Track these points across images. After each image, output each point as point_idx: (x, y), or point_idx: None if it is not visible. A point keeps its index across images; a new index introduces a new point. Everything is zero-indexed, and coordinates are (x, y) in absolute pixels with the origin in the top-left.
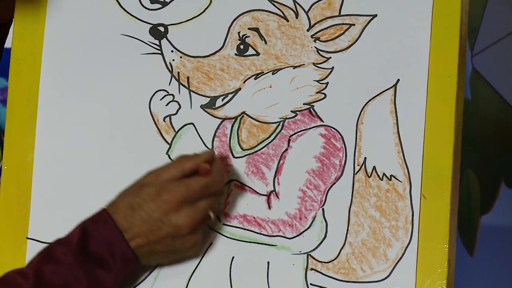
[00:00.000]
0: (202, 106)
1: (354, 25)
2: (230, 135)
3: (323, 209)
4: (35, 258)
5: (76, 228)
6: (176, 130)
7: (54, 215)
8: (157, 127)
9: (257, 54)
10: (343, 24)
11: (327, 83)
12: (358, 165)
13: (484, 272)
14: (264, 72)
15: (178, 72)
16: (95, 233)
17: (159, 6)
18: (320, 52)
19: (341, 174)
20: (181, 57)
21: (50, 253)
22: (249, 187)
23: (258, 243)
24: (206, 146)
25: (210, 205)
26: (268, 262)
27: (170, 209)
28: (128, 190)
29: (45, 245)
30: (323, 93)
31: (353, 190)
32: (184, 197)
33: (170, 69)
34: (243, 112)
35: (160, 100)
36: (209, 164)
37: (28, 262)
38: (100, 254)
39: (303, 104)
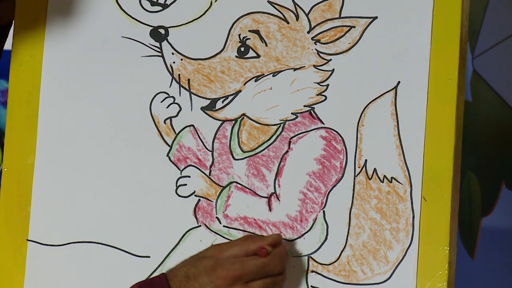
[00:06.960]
0: (202, 108)
1: (354, 27)
2: (230, 137)
3: (323, 211)
4: None
5: (133, 287)
6: (177, 132)
7: (54, 217)
8: (157, 129)
9: (258, 56)
10: (343, 26)
11: (328, 85)
12: (359, 167)
13: (485, 274)
14: (265, 74)
15: (179, 75)
16: None
17: (160, 8)
18: (321, 54)
19: (342, 176)
20: (181, 59)
21: None
22: (249, 189)
23: None
24: (207, 148)
25: (264, 287)
26: None
27: (222, 285)
28: (189, 260)
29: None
30: (323, 95)
31: (353, 192)
32: (238, 274)
33: (171, 72)
34: (244, 114)
35: (161, 102)
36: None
37: None
38: None
39: (304, 106)
